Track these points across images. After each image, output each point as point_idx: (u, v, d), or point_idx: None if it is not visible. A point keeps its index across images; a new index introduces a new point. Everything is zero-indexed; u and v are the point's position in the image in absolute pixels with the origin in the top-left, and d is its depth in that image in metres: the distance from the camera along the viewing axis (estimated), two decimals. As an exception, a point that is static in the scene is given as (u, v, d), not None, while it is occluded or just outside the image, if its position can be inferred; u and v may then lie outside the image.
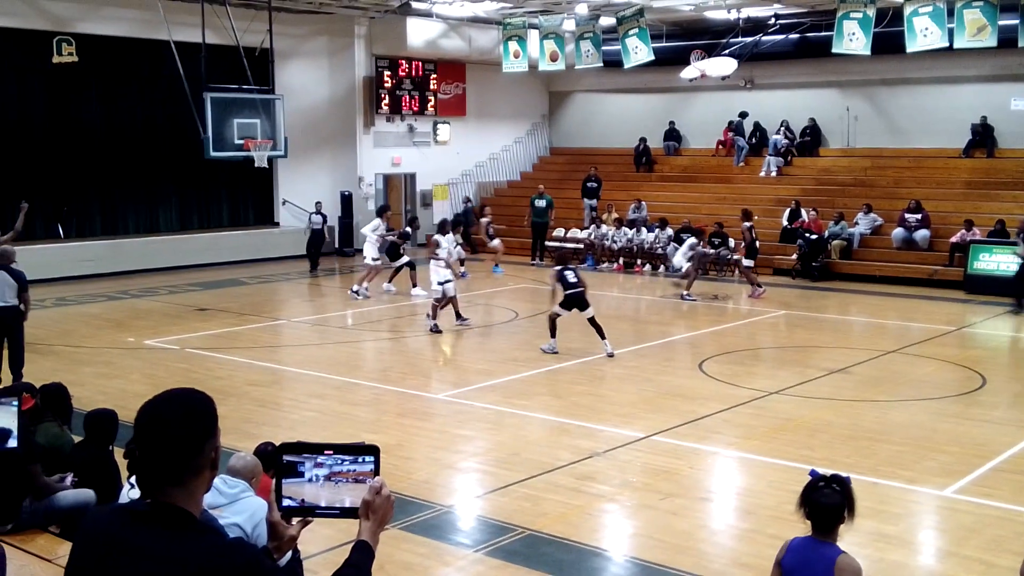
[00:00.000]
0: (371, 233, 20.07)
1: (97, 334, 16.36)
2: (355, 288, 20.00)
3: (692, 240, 21.08)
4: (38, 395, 7.54)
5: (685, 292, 20.20)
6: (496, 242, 24.46)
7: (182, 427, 2.57)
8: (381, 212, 20.76)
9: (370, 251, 20.12)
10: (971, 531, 8.10)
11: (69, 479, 7.01)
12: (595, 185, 27.54)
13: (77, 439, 7.44)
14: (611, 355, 14.43)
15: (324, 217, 24.71)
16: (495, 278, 23.06)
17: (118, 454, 7.31)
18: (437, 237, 17.23)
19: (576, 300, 14.65)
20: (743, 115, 28.36)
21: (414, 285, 20.01)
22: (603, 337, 14.53)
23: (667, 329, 17.04)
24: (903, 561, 7.60)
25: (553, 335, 14.75)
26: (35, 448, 6.86)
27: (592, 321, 14.58)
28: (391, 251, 20.38)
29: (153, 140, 24.58)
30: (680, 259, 21.04)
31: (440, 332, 16.19)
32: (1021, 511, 8.39)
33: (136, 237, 24.16)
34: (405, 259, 20.34)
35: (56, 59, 22.28)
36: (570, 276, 14.76)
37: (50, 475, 6.97)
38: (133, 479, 5.79)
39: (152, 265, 23.39)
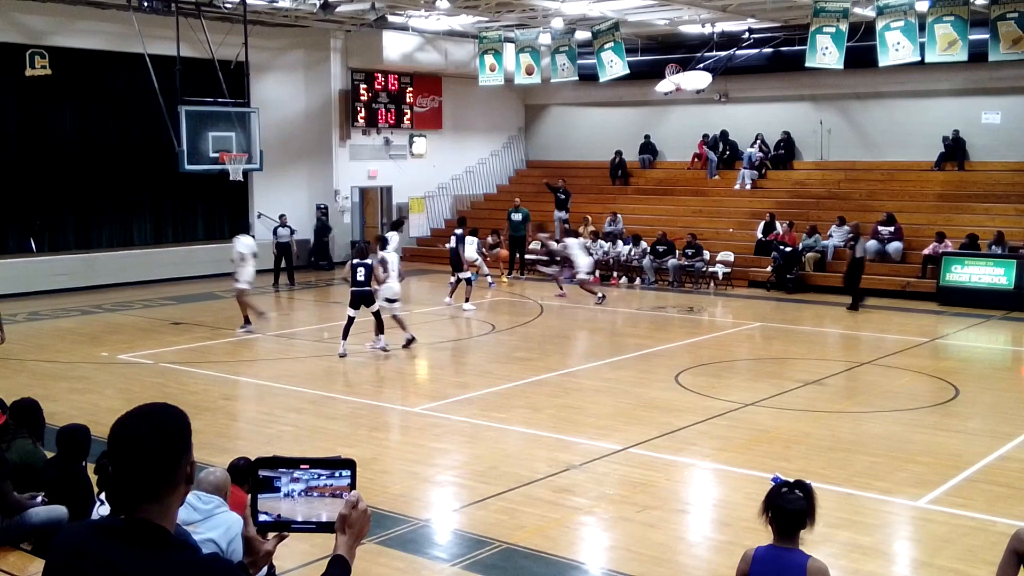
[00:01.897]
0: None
1: (71, 349, 16.23)
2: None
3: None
4: (8, 411, 7.45)
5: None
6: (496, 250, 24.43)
7: (157, 442, 2.54)
8: (396, 226, 20.29)
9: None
10: (945, 541, 8.15)
11: (40, 498, 6.93)
12: (563, 197, 27.56)
13: (50, 455, 7.37)
14: (384, 349, 15.21)
15: (291, 229, 24.35)
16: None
17: (90, 470, 7.24)
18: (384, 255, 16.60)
19: (361, 298, 15.16)
20: (723, 134, 28.53)
21: (466, 299, 19.96)
22: (379, 333, 15.25)
23: (643, 341, 17.09)
24: (878, 572, 7.64)
25: (344, 336, 15.27)
26: (5, 465, 6.79)
27: (375, 315, 15.22)
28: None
29: (127, 153, 24.44)
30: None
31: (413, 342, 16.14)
32: (995, 521, 8.45)
33: (110, 251, 24.00)
34: (467, 274, 20.14)
35: (29, 72, 22.13)
36: (359, 273, 15.09)
37: (24, 491, 6.90)
38: (103, 495, 5.74)
39: (126, 279, 23.25)
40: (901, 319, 19.25)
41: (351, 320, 15.35)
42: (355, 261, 15.34)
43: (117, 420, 2.58)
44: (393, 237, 17.85)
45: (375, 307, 15.27)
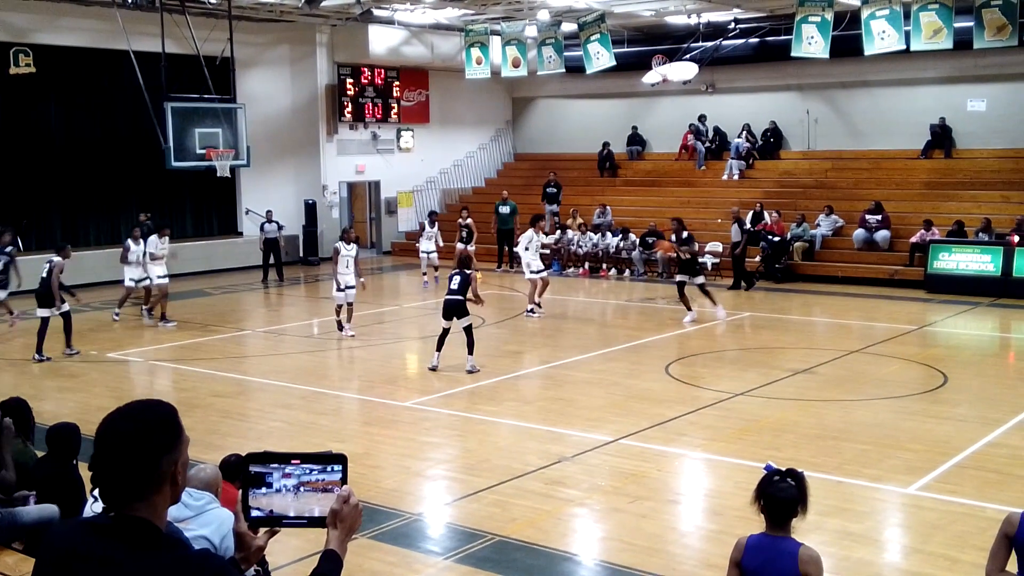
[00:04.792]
0: (528, 247, 18.90)
1: (59, 347, 16.15)
2: (530, 307, 18.69)
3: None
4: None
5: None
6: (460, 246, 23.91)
7: (143, 440, 2.52)
8: (534, 223, 19.52)
9: (533, 264, 18.74)
10: (935, 527, 8.19)
11: (32, 499, 6.91)
12: (555, 190, 27.62)
13: (40, 454, 7.35)
14: (470, 371, 13.79)
15: (278, 225, 24.29)
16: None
17: (83, 468, 7.22)
18: (338, 245, 16.86)
19: (448, 308, 13.91)
20: (701, 118, 28.63)
21: (715, 303, 17.89)
22: (470, 352, 13.87)
23: (633, 333, 17.11)
24: (869, 559, 7.67)
25: (438, 348, 14.03)
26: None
27: (466, 331, 13.88)
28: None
29: (114, 151, 24.34)
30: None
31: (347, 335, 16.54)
32: (984, 507, 8.50)
33: (98, 249, 23.88)
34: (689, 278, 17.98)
35: (13, 70, 22.01)
36: (453, 281, 14.00)
37: (15, 491, 6.88)
38: (97, 492, 5.72)
39: (114, 277, 23.08)
40: (889, 307, 19.31)
41: (445, 332, 14.03)
42: (453, 271, 14.26)
43: (105, 417, 2.57)
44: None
45: (467, 322, 13.90)
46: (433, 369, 14.02)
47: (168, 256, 18.69)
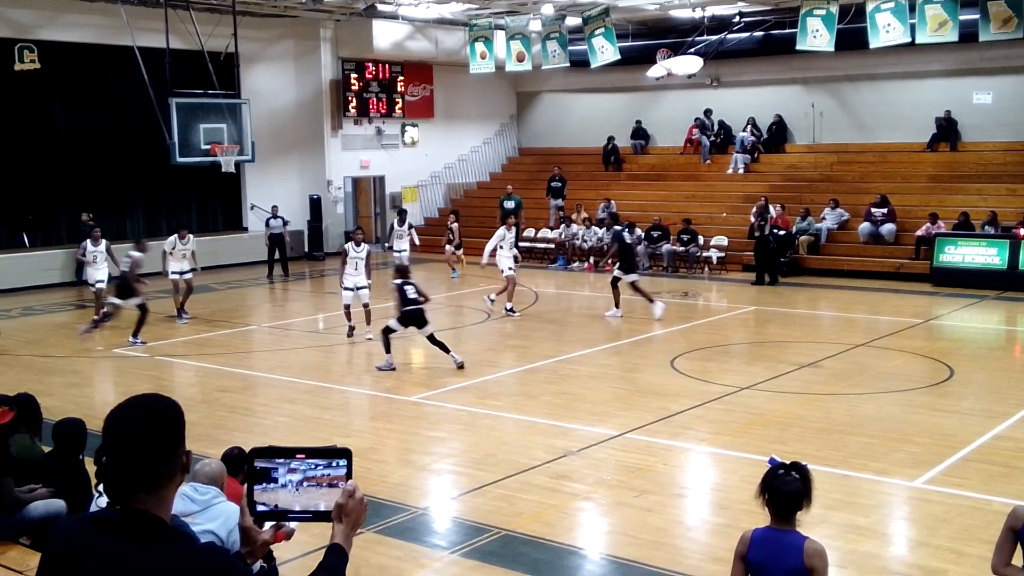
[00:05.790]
0: (502, 245, 18.48)
1: (65, 343, 16.21)
2: (503, 304, 18.31)
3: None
4: (15, 407, 7.43)
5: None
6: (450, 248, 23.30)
7: (152, 433, 2.54)
8: (504, 220, 19.35)
9: (504, 263, 18.33)
10: (942, 521, 8.18)
11: (40, 489, 6.93)
12: (559, 185, 27.61)
13: (47, 450, 7.37)
14: (460, 366, 13.65)
15: (283, 220, 24.18)
16: (453, 281, 22.97)
17: (88, 463, 7.24)
18: (347, 247, 16.68)
19: (414, 317, 13.73)
20: (706, 112, 28.60)
21: (616, 305, 17.97)
22: (447, 351, 13.70)
23: (639, 327, 17.10)
24: (875, 552, 7.67)
25: (387, 350, 13.81)
26: (8, 461, 6.80)
27: (431, 338, 13.78)
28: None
29: (119, 147, 24.37)
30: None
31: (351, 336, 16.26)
32: (990, 500, 8.48)
33: (101, 245, 23.91)
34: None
35: (18, 66, 22.04)
36: (410, 291, 13.74)
37: (21, 486, 6.90)
38: (101, 487, 5.74)
39: (114, 273, 23.15)
40: (895, 300, 19.28)
41: (392, 331, 13.79)
42: (400, 282, 13.90)
43: (111, 411, 2.58)
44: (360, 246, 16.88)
45: (428, 330, 13.80)
46: (386, 369, 13.80)
47: (178, 258, 18.29)
